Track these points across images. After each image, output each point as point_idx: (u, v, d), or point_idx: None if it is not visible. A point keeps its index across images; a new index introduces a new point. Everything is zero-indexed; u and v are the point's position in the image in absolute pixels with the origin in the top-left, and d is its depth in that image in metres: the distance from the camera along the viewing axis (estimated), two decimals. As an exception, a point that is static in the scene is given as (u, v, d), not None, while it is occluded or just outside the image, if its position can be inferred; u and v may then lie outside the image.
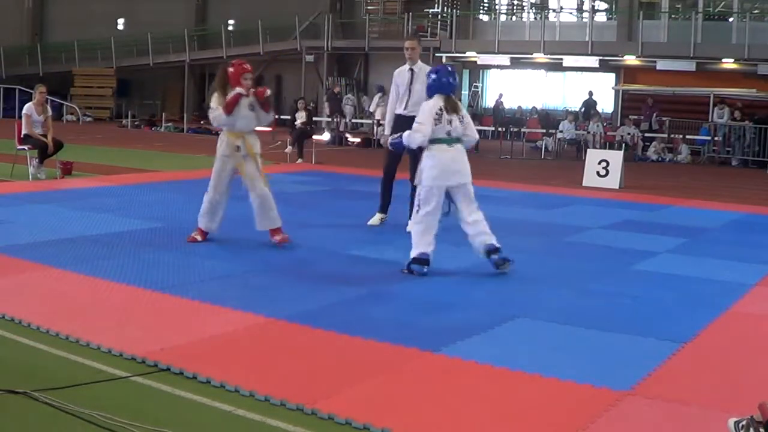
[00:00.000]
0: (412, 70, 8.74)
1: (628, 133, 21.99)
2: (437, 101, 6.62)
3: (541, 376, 4.26)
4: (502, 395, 4.05)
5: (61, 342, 4.59)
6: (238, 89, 7.35)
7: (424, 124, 6.55)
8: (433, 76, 6.74)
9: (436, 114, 6.56)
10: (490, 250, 6.69)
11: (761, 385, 4.27)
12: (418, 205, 6.64)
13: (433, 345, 4.70)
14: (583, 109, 25.16)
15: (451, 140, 6.63)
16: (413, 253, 6.61)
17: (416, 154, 7.21)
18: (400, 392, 4.02)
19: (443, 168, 6.58)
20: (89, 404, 3.66)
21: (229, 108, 7.31)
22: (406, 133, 6.77)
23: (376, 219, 9.04)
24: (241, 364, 4.33)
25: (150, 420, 3.54)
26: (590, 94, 25.77)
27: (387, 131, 8.89)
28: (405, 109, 8.64)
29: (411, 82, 8.69)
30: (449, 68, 6.91)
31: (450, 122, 6.58)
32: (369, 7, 29.70)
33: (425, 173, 6.59)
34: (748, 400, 3.75)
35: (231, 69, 7.47)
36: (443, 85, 6.66)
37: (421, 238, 6.60)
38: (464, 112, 6.81)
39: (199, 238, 7.59)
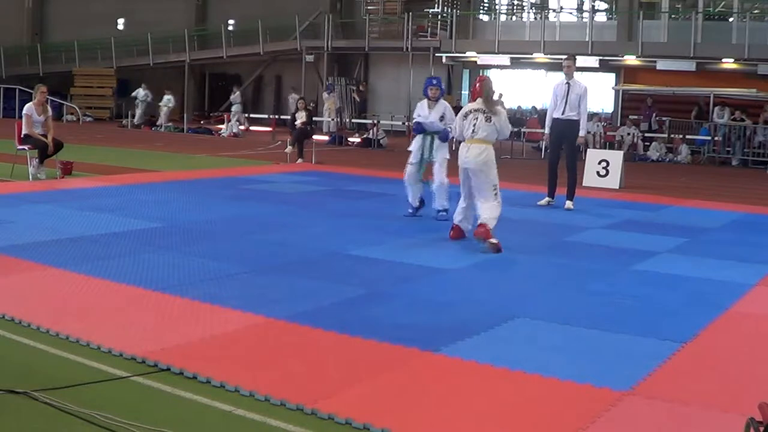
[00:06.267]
0: (568, 83, 10.83)
1: (628, 133, 21.98)
2: None
3: (541, 376, 4.26)
4: (502, 395, 4.05)
5: (61, 342, 4.59)
6: None
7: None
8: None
9: None
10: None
11: (761, 385, 4.27)
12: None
13: (433, 345, 4.70)
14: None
15: None
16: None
17: (573, 146, 10.92)
18: (400, 392, 4.01)
19: None
20: (89, 404, 3.66)
21: None
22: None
23: (544, 201, 11.23)
24: (241, 364, 4.33)
25: (150, 420, 3.54)
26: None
27: (547, 131, 11.27)
28: (563, 114, 10.82)
29: (567, 94, 10.79)
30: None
31: None
32: (369, 7, 29.68)
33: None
34: (749, 400, 3.75)
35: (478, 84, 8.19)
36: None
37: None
38: None
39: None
